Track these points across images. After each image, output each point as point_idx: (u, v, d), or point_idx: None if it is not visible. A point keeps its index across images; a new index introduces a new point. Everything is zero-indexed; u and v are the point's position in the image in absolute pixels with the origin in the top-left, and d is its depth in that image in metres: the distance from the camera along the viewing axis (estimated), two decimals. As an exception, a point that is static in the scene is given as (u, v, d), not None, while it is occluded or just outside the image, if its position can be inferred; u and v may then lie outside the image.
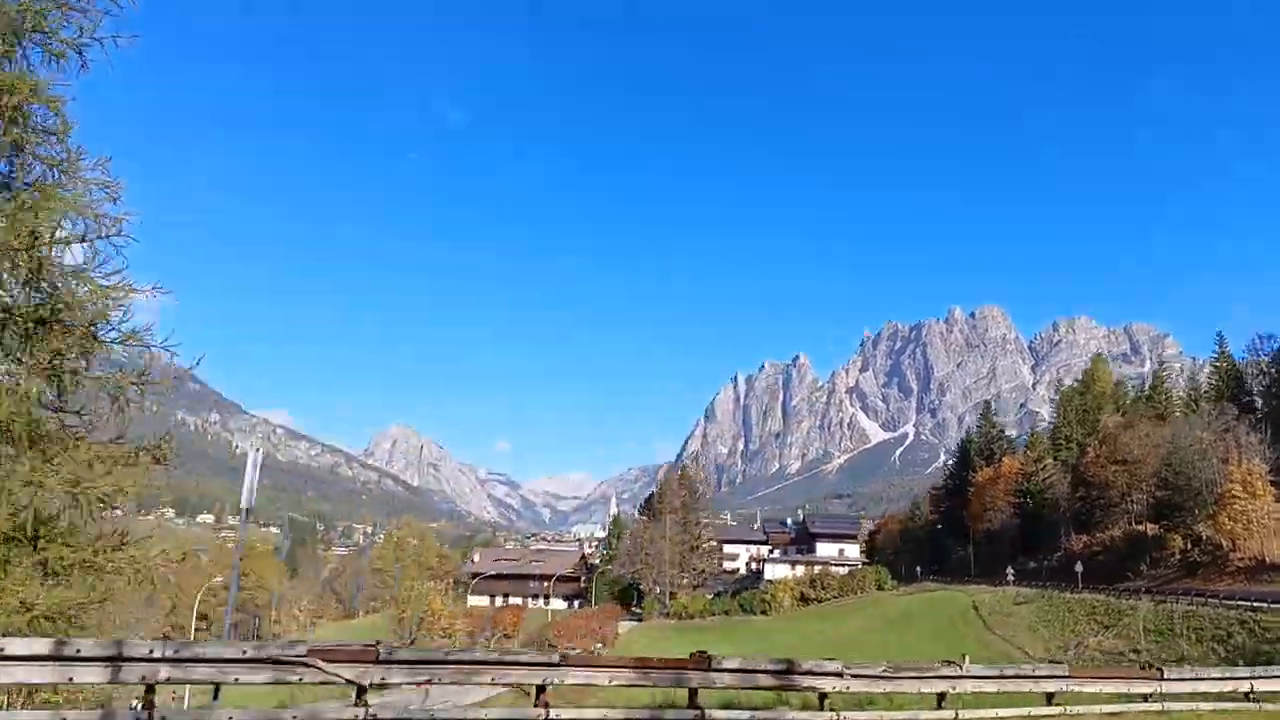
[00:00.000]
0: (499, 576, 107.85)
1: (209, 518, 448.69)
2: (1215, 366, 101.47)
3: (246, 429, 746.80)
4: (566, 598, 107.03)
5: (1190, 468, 71.04)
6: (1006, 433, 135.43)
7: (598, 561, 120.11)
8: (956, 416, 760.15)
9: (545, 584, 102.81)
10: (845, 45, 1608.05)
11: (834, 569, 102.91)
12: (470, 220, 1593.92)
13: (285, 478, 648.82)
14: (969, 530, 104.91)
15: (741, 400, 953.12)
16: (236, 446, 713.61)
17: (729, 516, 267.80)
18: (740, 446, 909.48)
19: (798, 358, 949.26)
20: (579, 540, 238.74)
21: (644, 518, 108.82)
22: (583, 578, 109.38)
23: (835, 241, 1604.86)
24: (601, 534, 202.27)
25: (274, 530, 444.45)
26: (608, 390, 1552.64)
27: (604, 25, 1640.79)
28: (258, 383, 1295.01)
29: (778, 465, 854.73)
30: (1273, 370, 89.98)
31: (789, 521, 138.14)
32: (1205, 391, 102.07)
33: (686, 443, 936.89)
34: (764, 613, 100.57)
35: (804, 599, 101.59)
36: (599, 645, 67.10)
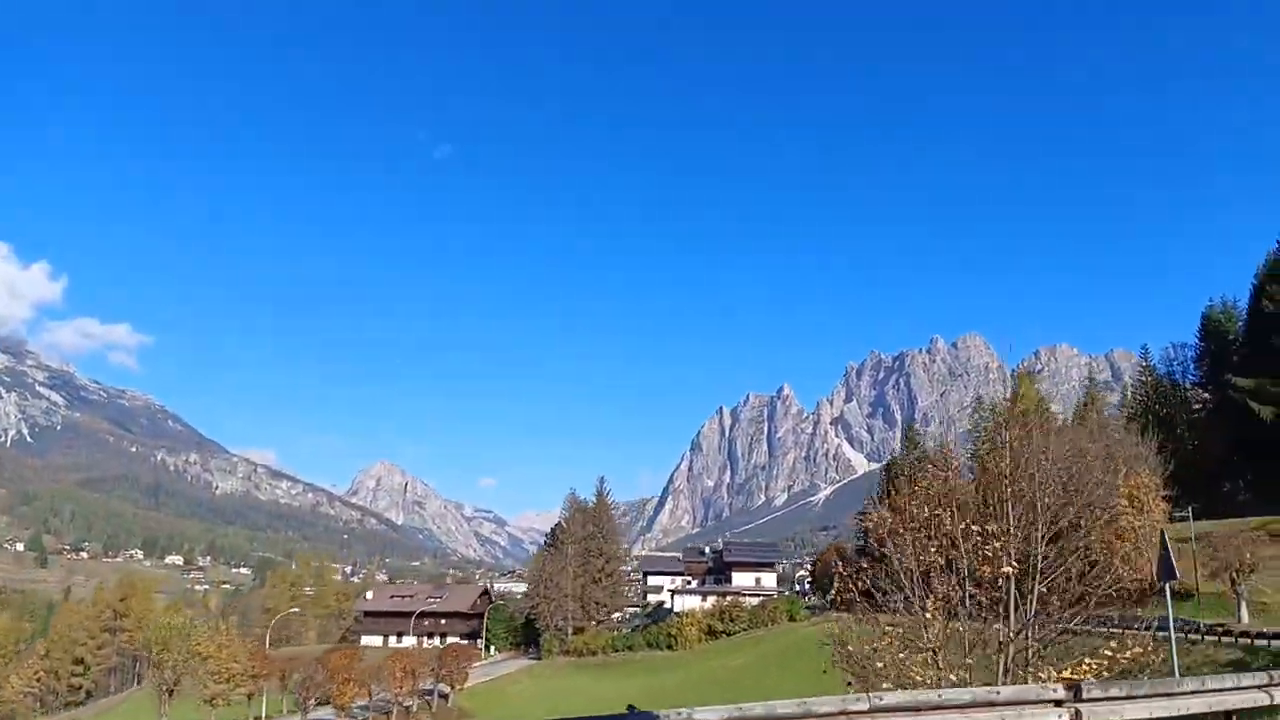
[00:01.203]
0: (391, 614, 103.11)
1: (178, 559, 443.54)
2: (1140, 379, 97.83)
3: (227, 469, 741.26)
4: (466, 636, 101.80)
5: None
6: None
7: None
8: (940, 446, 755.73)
9: (442, 621, 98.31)
10: (826, 74, 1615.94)
11: (747, 599, 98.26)
12: (453, 254, 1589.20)
13: (264, 518, 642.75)
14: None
15: (727, 433, 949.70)
16: (216, 486, 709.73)
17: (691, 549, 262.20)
18: (727, 479, 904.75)
19: (782, 389, 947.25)
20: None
21: (547, 550, 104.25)
22: (486, 615, 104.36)
23: (817, 273, 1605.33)
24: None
25: (245, 571, 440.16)
26: (593, 424, 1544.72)
27: (588, 58, 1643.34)
28: (244, 423, 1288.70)
29: (764, 498, 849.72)
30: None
31: (707, 550, 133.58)
32: (1130, 405, 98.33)
33: (673, 476, 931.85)
34: (669, 647, 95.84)
35: (712, 632, 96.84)
36: (439, 688, 62.14)
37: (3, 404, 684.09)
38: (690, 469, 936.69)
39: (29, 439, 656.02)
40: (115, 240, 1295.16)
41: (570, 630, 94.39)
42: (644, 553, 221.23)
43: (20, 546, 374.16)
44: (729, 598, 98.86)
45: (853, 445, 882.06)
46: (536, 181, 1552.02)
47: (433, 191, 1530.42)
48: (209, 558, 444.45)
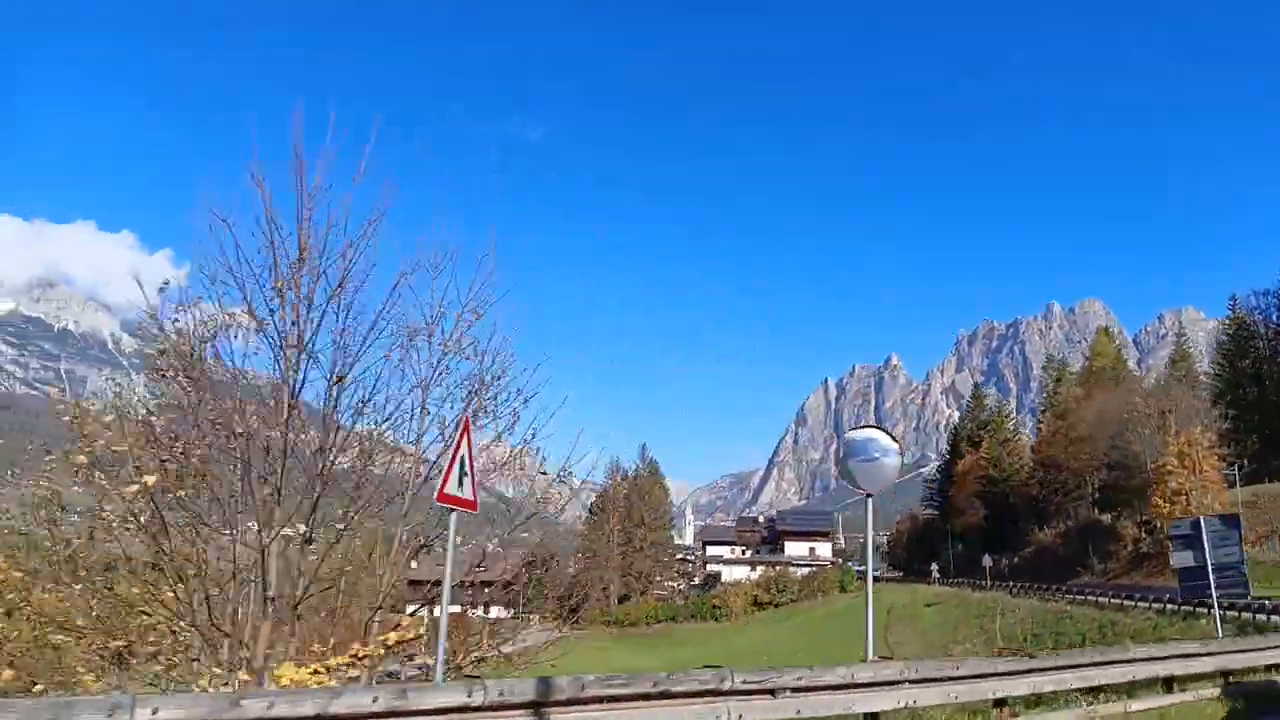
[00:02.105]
0: (435, 583, 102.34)
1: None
2: (1225, 327, 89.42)
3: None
4: (509, 605, 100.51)
5: (1130, 442, 60.87)
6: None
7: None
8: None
9: (485, 590, 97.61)
10: (944, 31, 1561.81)
11: (796, 570, 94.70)
12: (555, 222, 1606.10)
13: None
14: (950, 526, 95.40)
15: (832, 405, 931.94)
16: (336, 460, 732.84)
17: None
18: (833, 451, 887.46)
19: (889, 359, 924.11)
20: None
21: (591, 520, 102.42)
22: (522, 583, 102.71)
23: (925, 241, 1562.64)
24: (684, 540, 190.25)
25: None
26: (699, 396, 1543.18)
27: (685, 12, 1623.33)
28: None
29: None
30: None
31: (760, 520, 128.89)
32: (1219, 358, 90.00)
33: (777, 449, 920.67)
34: (715, 618, 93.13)
35: (759, 603, 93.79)
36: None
37: (133, 384, 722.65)
38: (795, 442, 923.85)
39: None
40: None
41: (615, 600, 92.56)
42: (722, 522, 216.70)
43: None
44: (778, 568, 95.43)
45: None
46: (630, 149, 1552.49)
47: (526, 174, 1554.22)
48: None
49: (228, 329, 11.14)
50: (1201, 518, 20.92)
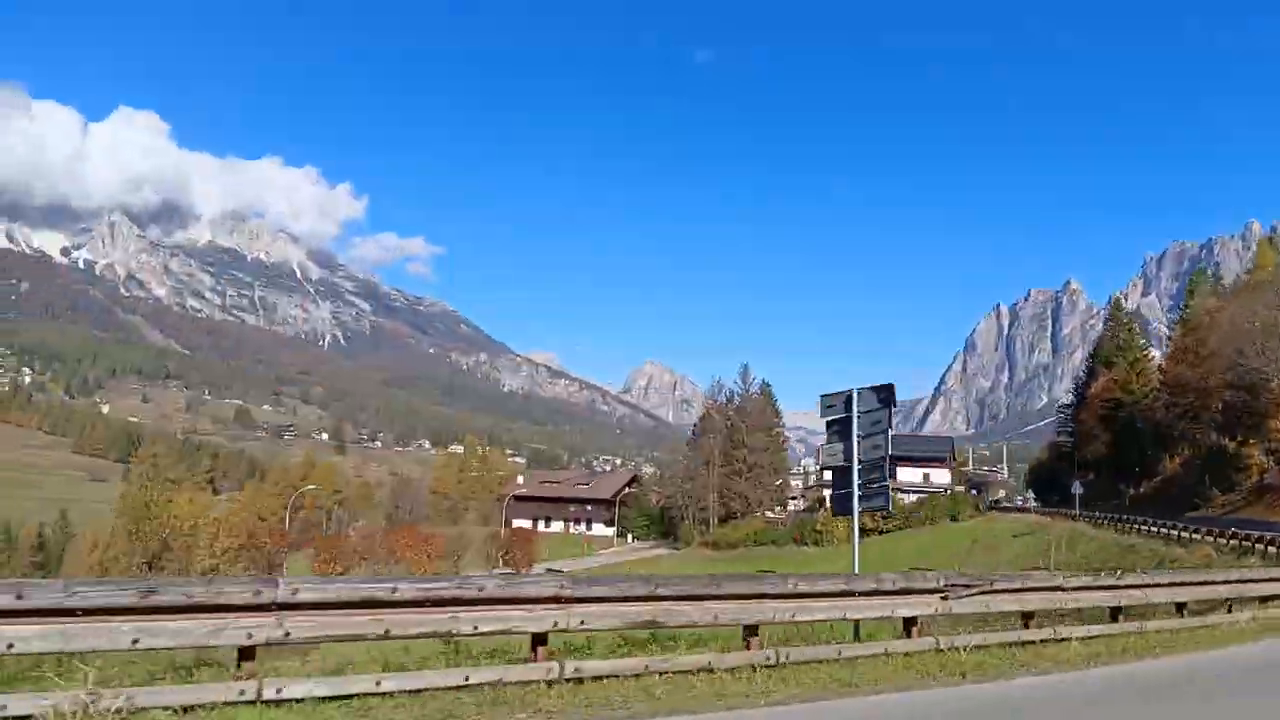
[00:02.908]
0: (539, 499, 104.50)
1: (458, 448, 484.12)
2: None
3: (512, 368, 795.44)
4: (609, 524, 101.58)
5: (1250, 358, 53.43)
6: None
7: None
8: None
9: (587, 509, 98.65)
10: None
11: (909, 496, 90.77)
12: (718, 156, 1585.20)
13: (545, 413, 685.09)
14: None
15: (1004, 331, 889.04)
16: (503, 384, 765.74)
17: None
18: (1004, 379, 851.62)
19: (1068, 283, 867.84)
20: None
21: (692, 440, 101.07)
22: (617, 502, 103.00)
23: (1109, 154, 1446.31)
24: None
25: (520, 459, 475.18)
26: (862, 321, 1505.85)
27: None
28: (528, 326, 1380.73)
29: (1046, 399, 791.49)
30: None
31: None
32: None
33: (944, 376, 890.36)
34: (816, 543, 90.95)
35: (861, 529, 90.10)
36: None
37: (319, 311, 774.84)
38: (964, 369, 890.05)
39: (343, 342, 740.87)
40: (409, 162, 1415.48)
41: (714, 522, 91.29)
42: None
43: (324, 436, 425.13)
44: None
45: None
46: (799, 64, 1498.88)
47: (696, 101, 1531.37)
48: (487, 448, 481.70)
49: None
50: (854, 389, 13.54)
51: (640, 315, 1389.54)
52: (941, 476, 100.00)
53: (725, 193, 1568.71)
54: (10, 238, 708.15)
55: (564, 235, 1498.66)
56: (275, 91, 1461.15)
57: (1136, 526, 48.02)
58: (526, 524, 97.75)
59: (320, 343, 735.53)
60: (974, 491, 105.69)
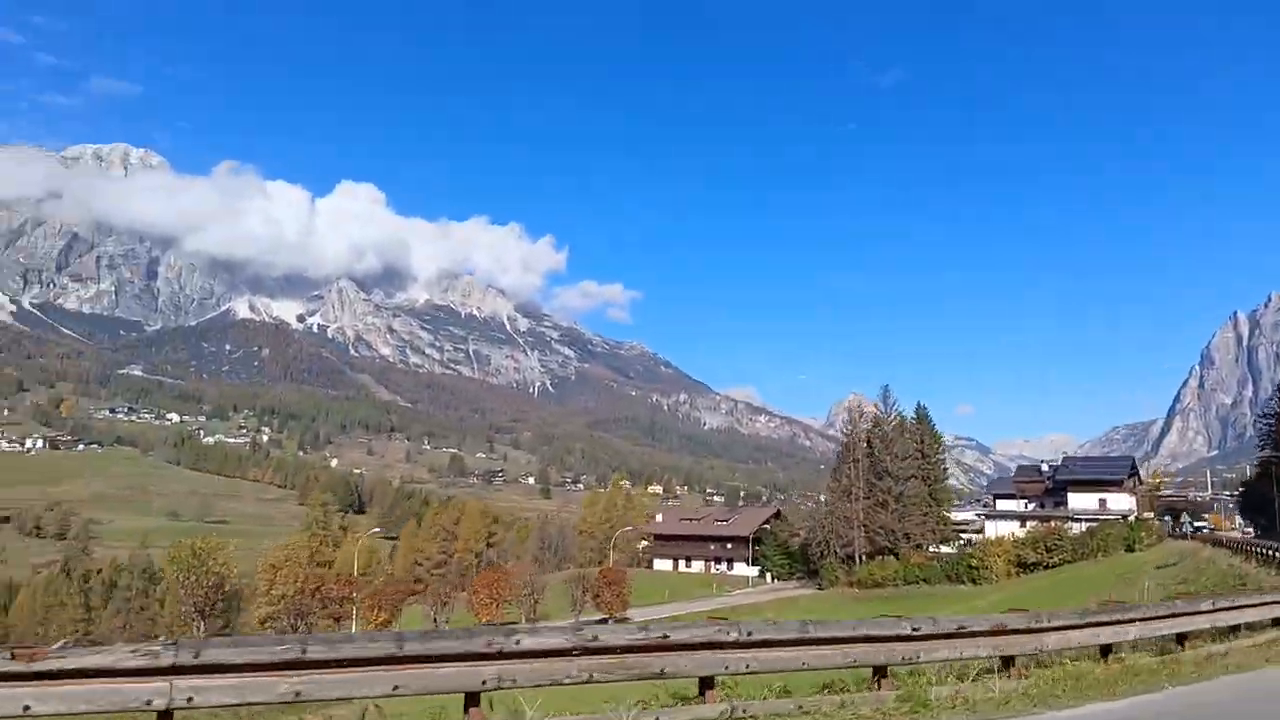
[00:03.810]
0: (678, 537, 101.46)
1: (658, 488, 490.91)
2: None
3: (712, 406, 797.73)
4: (754, 562, 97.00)
5: None
6: None
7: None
8: None
9: (727, 546, 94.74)
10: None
11: (1073, 525, 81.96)
12: (914, 180, 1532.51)
13: (747, 450, 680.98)
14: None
15: (1244, 341, 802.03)
16: (704, 423, 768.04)
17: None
18: (1248, 393, 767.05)
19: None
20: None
21: (834, 471, 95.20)
22: (752, 539, 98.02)
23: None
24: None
25: (719, 498, 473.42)
26: (1082, 341, 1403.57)
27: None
28: (726, 364, 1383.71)
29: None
30: None
31: (1044, 468, 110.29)
32: None
33: (1179, 394, 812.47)
34: (972, 580, 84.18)
35: (1023, 563, 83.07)
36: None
37: (528, 360, 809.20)
38: (1200, 385, 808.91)
39: (550, 389, 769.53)
40: (605, 213, 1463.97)
41: (861, 558, 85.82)
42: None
43: (531, 480, 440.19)
44: (1054, 523, 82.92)
45: None
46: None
47: (877, 125, 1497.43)
48: (685, 487, 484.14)
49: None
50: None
51: (842, 347, 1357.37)
52: (1120, 501, 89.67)
53: (928, 217, 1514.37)
54: (252, 308, 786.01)
55: (759, 271, 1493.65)
56: (480, 156, 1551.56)
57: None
58: (668, 564, 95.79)
59: (530, 390, 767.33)
60: (1167, 517, 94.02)
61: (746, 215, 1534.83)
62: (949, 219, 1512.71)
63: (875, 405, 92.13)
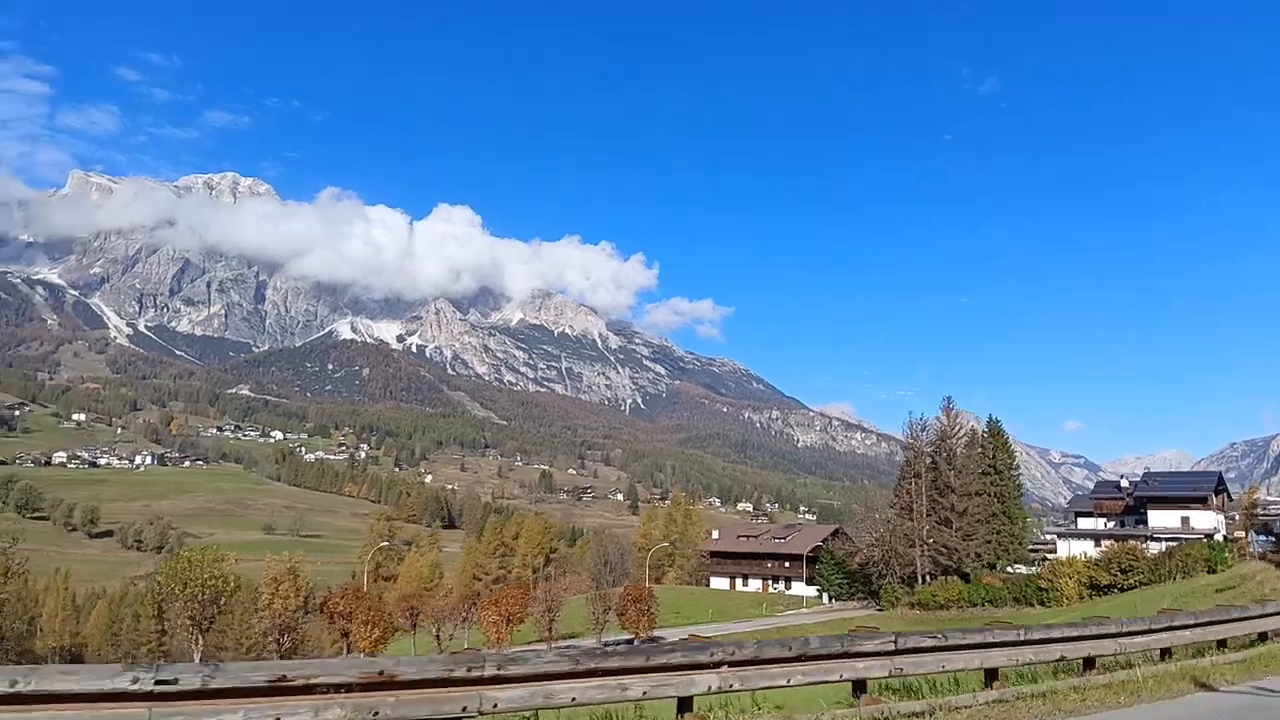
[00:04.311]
0: (735, 555, 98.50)
1: (747, 505, 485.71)
2: None
3: (806, 423, 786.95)
4: (809, 581, 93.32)
5: None
6: None
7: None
8: None
9: (785, 565, 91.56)
10: None
11: (1158, 544, 76.94)
12: (1020, 188, 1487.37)
13: (841, 467, 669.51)
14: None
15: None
16: (797, 440, 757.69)
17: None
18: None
19: None
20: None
21: (895, 488, 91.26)
22: (805, 558, 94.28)
23: None
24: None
25: (810, 516, 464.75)
26: (1196, 354, 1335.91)
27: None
28: (820, 380, 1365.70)
29: None
30: None
31: (1123, 483, 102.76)
32: None
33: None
34: (1042, 603, 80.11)
35: (1095, 585, 78.46)
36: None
37: (619, 377, 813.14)
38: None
39: (642, 405, 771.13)
40: (695, 231, 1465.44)
41: (924, 578, 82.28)
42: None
43: (619, 496, 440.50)
44: (1130, 543, 77.92)
45: None
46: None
47: (974, 135, 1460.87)
48: (775, 504, 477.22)
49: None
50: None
51: (943, 363, 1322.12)
52: (1204, 519, 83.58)
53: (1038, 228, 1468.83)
54: (354, 329, 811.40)
55: (855, 286, 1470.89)
56: (572, 177, 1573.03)
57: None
58: (725, 582, 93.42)
59: (621, 407, 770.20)
60: (1263, 536, 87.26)
61: (840, 230, 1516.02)
62: (1049, 231, 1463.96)
63: (938, 418, 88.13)
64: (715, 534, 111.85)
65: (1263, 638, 18.03)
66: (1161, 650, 15.69)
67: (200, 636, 43.35)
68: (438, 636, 53.96)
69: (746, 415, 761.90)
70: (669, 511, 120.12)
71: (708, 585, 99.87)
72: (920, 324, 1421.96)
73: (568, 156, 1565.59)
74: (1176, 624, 16.23)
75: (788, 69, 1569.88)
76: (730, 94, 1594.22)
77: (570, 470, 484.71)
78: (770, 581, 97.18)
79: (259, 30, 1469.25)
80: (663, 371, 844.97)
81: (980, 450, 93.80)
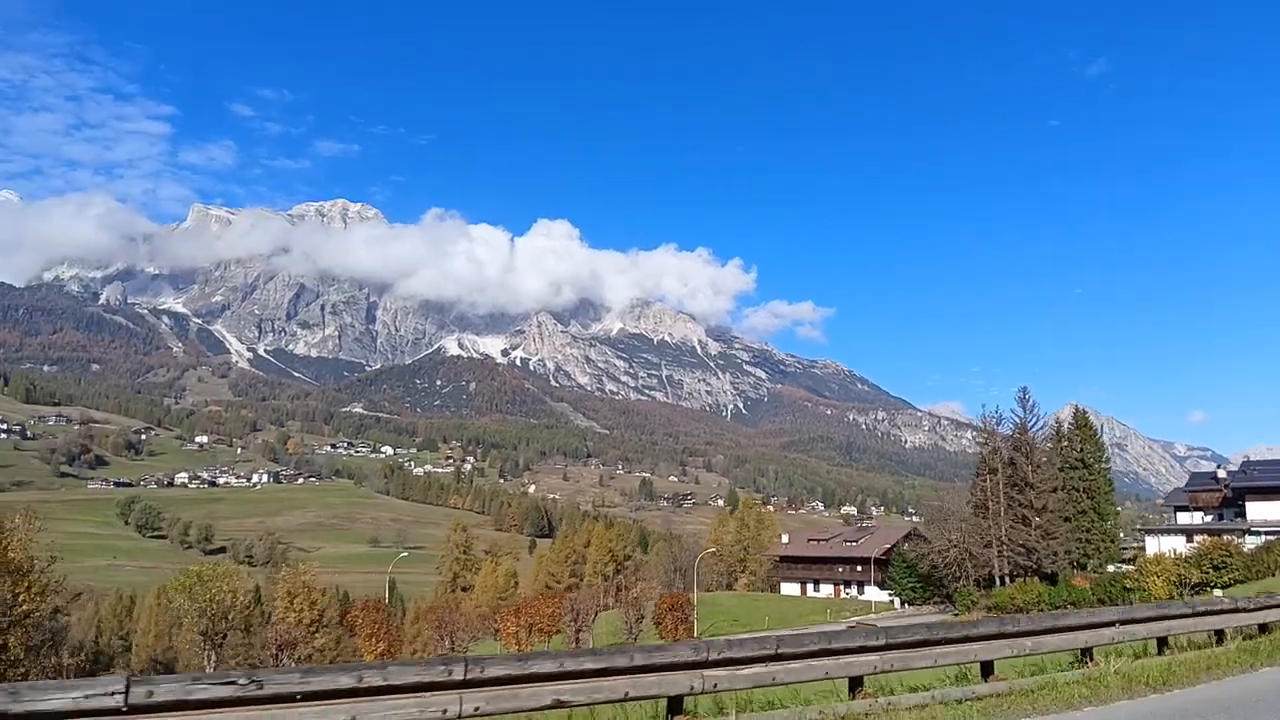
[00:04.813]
0: (806, 559, 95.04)
1: (852, 509, 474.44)
2: None
3: (914, 424, 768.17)
4: (881, 585, 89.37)
5: None
6: None
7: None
8: None
9: (857, 569, 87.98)
10: None
11: (1249, 539, 71.56)
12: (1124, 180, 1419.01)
13: (952, 468, 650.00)
14: None
15: None
16: (905, 441, 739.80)
17: None
18: None
19: None
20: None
21: (971, 485, 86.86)
22: (874, 561, 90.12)
23: None
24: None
25: (917, 519, 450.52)
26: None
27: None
28: (928, 380, 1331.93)
29: None
30: None
31: (1221, 474, 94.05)
32: None
33: None
34: (1128, 601, 75.21)
35: (1183, 583, 73.50)
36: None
37: (720, 383, 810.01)
38: None
39: (743, 410, 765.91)
40: (793, 232, 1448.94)
41: (1002, 579, 78.50)
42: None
43: (720, 502, 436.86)
44: (1226, 537, 72.55)
45: None
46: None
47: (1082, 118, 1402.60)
48: (881, 508, 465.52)
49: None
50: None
51: (1059, 358, 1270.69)
52: (1316, 512, 76.75)
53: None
54: (461, 345, 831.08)
55: (962, 282, 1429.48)
56: (667, 185, 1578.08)
57: None
58: (795, 588, 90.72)
59: (723, 413, 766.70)
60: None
61: (943, 224, 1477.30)
62: (1158, 217, 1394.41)
63: (1013, 410, 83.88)
64: (785, 538, 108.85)
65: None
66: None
67: (214, 653, 43.97)
68: (452, 647, 53.58)
69: (851, 417, 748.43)
70: (740, 515, 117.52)
71: (778, 591, 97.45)
72: (1031, 318, 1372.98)
73: (662, 165, 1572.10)
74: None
75: (876, 66, 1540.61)
76: (825, 92, 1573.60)
77: (672, 477, 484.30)
78: (842, 586, 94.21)
79: (364, 62, 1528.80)
80: (764, 376, 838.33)
81: (1066, 443, 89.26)
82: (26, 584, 34.35)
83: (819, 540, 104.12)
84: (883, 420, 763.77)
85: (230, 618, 44.46)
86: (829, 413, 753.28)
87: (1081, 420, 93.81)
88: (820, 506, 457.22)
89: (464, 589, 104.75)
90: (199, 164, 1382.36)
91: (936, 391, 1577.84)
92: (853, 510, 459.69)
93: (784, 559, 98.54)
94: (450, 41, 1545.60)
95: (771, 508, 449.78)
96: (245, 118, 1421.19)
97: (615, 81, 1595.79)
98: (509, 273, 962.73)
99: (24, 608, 34.49)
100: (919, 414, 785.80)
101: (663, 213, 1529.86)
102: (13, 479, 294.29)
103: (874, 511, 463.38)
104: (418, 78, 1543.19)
